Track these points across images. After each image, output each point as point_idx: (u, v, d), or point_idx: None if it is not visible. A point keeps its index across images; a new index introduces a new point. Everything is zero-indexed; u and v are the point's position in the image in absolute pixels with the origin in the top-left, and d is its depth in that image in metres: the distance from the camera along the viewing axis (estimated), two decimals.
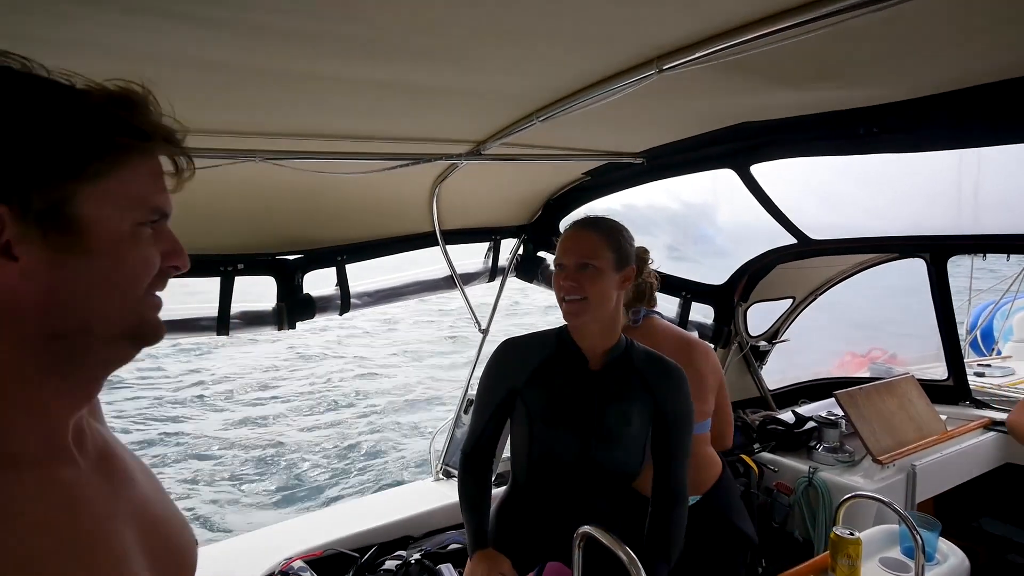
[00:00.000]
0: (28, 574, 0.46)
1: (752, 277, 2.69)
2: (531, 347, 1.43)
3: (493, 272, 2.75)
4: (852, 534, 1.46)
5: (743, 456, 2.44)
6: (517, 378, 1.40)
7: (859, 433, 2.35)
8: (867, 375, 3.51)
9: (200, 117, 1.33)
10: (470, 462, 1.46)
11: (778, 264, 2.58)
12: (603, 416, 1.35)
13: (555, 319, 1.45)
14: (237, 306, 2.05)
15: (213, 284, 2.01)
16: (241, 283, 2.05)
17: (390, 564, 1.80)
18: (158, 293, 0.58)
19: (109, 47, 0.93)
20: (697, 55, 1.03)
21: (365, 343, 13.59)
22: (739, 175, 1.98)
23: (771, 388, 3.15)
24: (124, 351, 0.56)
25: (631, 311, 1.89)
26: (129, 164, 0.53)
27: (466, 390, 2.83)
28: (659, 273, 1.98)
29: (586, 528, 1.09)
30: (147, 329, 0.56)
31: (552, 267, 1.42)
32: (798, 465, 2.41)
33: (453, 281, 2.59)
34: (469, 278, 2.68)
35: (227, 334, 2.05)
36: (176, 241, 0.58)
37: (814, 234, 2.29)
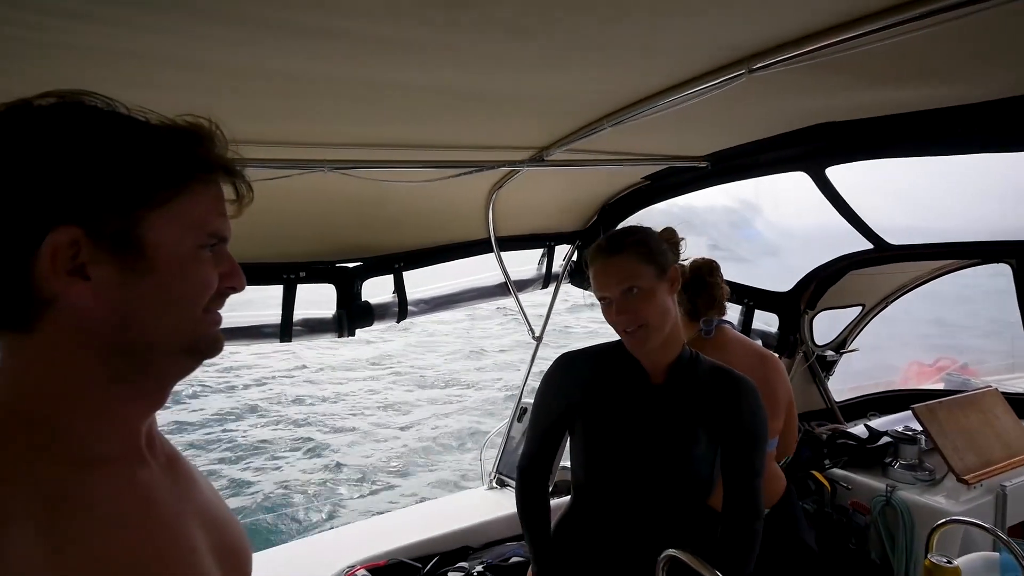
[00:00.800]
0: (110, 565, 0.50)
1: (820, 284, 2.57)
2: (589, 361, 1.37)
3: (547, 279, 2.72)
4: (950, 562, 1.35)
5: (814, 472, 2.32)
6: (575, 394, 1.34)
7: (940, 450, 2.20)
8: (941, 387, 3.31)
9: (272, 128, 1.34)
10: (527, 479, 1.40)
11: (850, 271, 2.45)
12: (667, 432, 1.28)
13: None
14: (299, 313, 2.08)
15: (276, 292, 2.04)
16: (303, 291, 2.08)
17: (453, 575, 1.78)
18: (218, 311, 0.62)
19: (186, 61, 0.93)
20: (790, 55, 0.97)
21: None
22: (813, 177, 1.88)
23: (837, 400, 3.00)
24: (184, 364, 0.60)
25: (702, 320, 1.81)
26: (193, 192, 0.57)
27: (520, 398, 2.80)
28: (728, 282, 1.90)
29: (671, 552, 1.03)
30: (204, 344, 0.60)
31: None
32: (873, 483, 2.27)
33: (507, 288, 2.57)
34: (523, 285, 2.65)
35: (290, 340, 2.07)
36: (234, 263, 0.62)
37: (892, 239, 2.16)
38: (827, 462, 2.40)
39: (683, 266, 1.82)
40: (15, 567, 0.44)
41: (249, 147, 1.39)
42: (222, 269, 0.60)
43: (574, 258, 2.75)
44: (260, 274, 1.98)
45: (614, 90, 1.25)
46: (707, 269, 1.83)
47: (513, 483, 2.66)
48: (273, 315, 2.05)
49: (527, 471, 1.41)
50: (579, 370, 1.36)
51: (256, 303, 2.11)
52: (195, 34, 0.84)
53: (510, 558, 1.86)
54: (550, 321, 2.72)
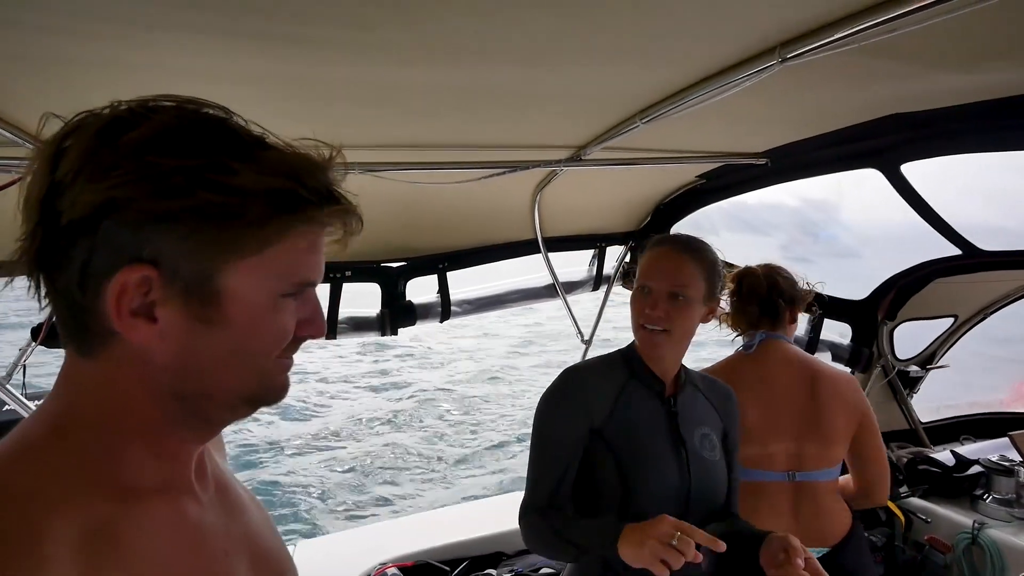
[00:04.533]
0: None
1: (901, 291, 2.31)
2: (603, 375, 1.25)
3: (598, 281, 2.63)
4: None
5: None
6: (597, 413, 1.21)
7: None
8: None
9: (303, 130, 1.37)
10: (549, 515, 1.18)
11: (936, 278, 2.19)
12: (690, 444, 1.23)
13: None
14: (344, 312, 2.13)
15: (323, 290, 2.11)
16: (347, 289, 2.14)
17: None
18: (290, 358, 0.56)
19: (212, 65, 0.96)
20: (825, 40, 0.86)
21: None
22: (886, 175, 1.69)
23: (923, 421, 2.71)
24: (243, 411, 0.56)
25: (745, 335, 1.67)
26: (289, 238, 0.50)
27: None
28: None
29: None
30: (269, 395, 0.55)
31: None
32: (958, 517, 2.02)
33: (555, 290, 2.51)
34: (572, 287, 2.59)
35: (334, 338, 2.13)
36: (317, 309, 0.56)
37: (984, 243, 1.91)
38: (903, 489, 2.16)
39: (750, 268, 1.70)
40: None
41: None
42: (303, 315, 0.54)
43: (627, 260, 2.65)
44: None
45: (640, 84, 1.18)
46: (762, 279, 1.68)
47: None
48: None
49: (547, 509, 1.18)
50: (595, 386, 1.23)
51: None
52: (221, 30, 0.84)
53: (541, 568, 1.81)
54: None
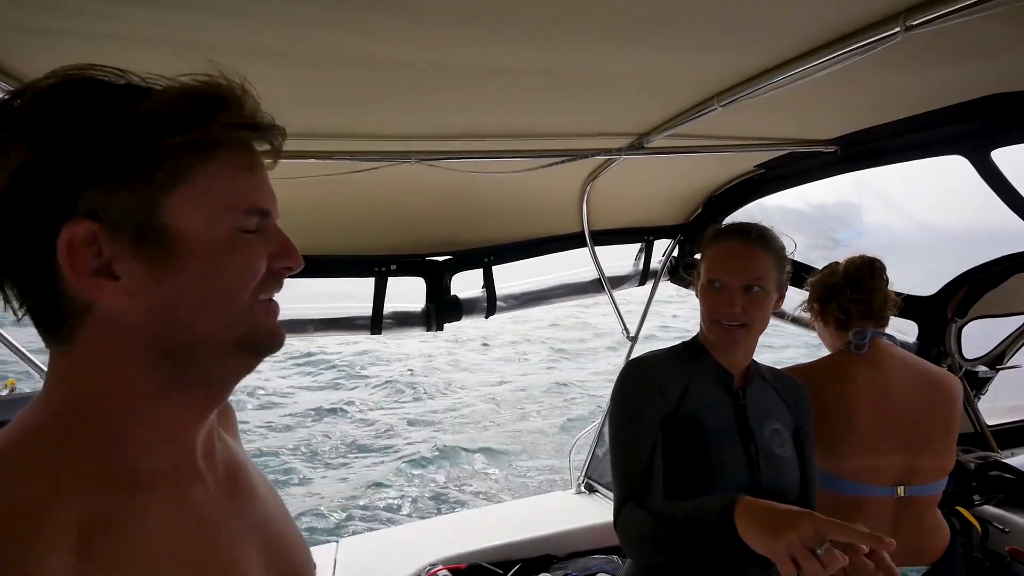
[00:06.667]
0: None
1: (975, 287, 2.18)
2: (670, 366, 1.23)
3: (644, 275, 2.55)
4: None
5: (959, 509, 1.98)
6: (666, 403, 1.18)
7: None
8: None
9: (358, 120, 1.32)
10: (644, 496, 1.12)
11: (1016, 273, 2.06)
12: (760, 439, 1.18)
13: None
14: (389, 306, 2.09)
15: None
16: (392, 283, 2.09)
17: None
18: (274, 297, 0.55)
19: (273, 53, 0.92)
20: (957, 6, 0.77)
21: None
22: (973, 162, 1.57)
23: (991, 424, 2.56)
24: (241, 362, 0.54)
25: (853, 333, 1.52)
26: (217, 162, 0.50)
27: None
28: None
29: None
30: (260, 337, 0.54)
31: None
32: None
33: (601, 284, 2.44)
34: (618, 281, 2.51)
35: (380, 333, 2.09)
36: (285, 240, 0.54)
37: None
38: (976, 497, 2.04)
39: (837, 264, 1.61)
40: None
41: (336, 140, 1.38)
42: (272, 249, 0.53)
43: (675, 254, 2.55)
44: (352, 266, 2.01)
45: (729, 64, 1.09)
46: (868, 270, 1.57)
47: (602, 489, 2.56)
48: (364, 307, 2.08)
49: (645, 498, 1.11)
50: (663, 377, 1.20)
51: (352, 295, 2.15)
52: (288, 21, 0.81)
53: (596, 573, 1.75)
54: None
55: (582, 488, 2.56)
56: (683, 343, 1.29)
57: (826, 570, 0.79)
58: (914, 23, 0.80)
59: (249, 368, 0.55)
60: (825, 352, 1.64)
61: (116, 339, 0.49)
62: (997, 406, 2.69)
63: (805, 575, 0.81)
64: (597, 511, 2.33)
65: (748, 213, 2.31)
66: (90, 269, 0.47)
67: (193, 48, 0.88)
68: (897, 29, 0.81)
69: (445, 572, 1.76)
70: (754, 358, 1.27)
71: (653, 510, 1.07)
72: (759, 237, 1.20)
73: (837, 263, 1.62)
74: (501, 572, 1.82)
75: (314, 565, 0.67)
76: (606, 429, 2.66)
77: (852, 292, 1.54)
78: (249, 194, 0.52)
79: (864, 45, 0.87)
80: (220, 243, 0.50)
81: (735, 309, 1.15)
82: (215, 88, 0.49)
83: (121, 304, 0.48)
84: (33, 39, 0.86)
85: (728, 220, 2.35)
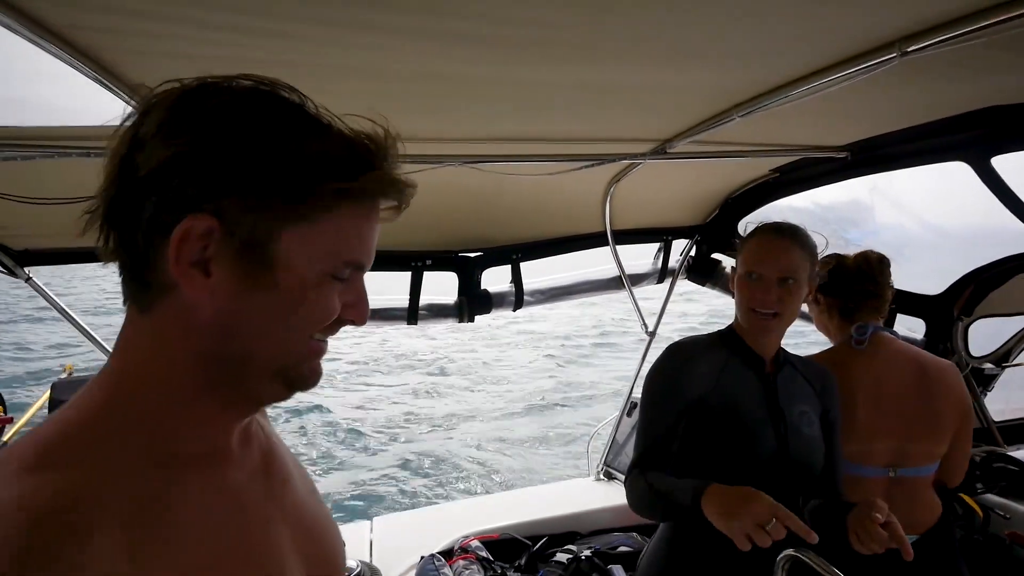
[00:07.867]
0: (191, 574, 0.48)
1: (980, 287, 2.28)
2: (706, 350, 1.37)
3: (663, 274, 2.67)
4: None
5: (963, 495, 2.08)
6: (703, 384, 1.31)
7: None
8: None
9: (412, 125, 1.46)
10: (649, 467, 1.29)
11: (1019, 273, 2.15)
12: (789, 418, 1.31)
13: None
14: (424, 299, 2.23)
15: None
16: (427, 278, 2.23)
17: (561, 556, 1.83)
18: (324, 341, 0.57)
19: (340, 66, 1.03)
20: (951, 35, 0.89)
21: None
22: (975, 168, 1.68)
23: (996, 419, 2.65)
24: (274, 390, 0.55)
25: (855, 328, 1.62)
26: (341, 215, 0.52)
27: (630, 392, 2.78)
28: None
29: (790, 552, 1.01)
30: (299, 372, 0.55)
31: (729, 271, 1.36)
32: None
33: (621, 282, 2.56)
34: (637, 279, 2.63)
35: (415, 324, 2.24)
36: (363, 295, 0.57)
37: None
38: (979, 486, 2.14)
39: (839, 256, 1.72)
40: None
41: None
42: (347, 299, 0.55)
43: (692, 253, 2.67)
44: (391, 261, 2.16)
45: (747, 78, 1.22)
46: (877, 265, 1.65)
47: (620, 476, 2.68)
48: (402, 299, 2.23)
49: (652, 462, 1.29)
50: (698, 360, 1.34)
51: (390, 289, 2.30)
52: (353, 42, 0.93)
53: (618, 547, 1.88)
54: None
55: (601, 476, 2.68)
56: (717, 332, 1.41)
57: (773, 539, 0.97)
58: (909, 49, 0.92)
59: (282, 398, 0.56)
60: (815, 339, 1.75)
61: (184, 328, 0.51)
62: (1009, 407, 2.78)
63: (756, 544, 0.98)
64: (615, 495, 2.44)
65: (763, 215, 2.43)
66: (191, 259, 0.49)
67: (285, 68, 1.03)
68: (894, 54, 0.94)
69: (477, 542, 1.90)
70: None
71: (649, 481, 1.24)
72: (793, 234, 1.32)
73: (837, 255, 1.70)
74: (530, 543, 1.95)
75: (343, 545, 0.70)
76: (624, 421, 2.79)
77: (863, 286, 1.64)
78: (356, 246, 0.54)
79: (865, 67, 1.00)
80: (311, 282, 0.52)
81: (771, 298, 1.27)
82: (376, 143, 0.53)
83: (201, 299, 0.50)
84: (148, 55, 0.98)
85: (743, 222, 2.48)
